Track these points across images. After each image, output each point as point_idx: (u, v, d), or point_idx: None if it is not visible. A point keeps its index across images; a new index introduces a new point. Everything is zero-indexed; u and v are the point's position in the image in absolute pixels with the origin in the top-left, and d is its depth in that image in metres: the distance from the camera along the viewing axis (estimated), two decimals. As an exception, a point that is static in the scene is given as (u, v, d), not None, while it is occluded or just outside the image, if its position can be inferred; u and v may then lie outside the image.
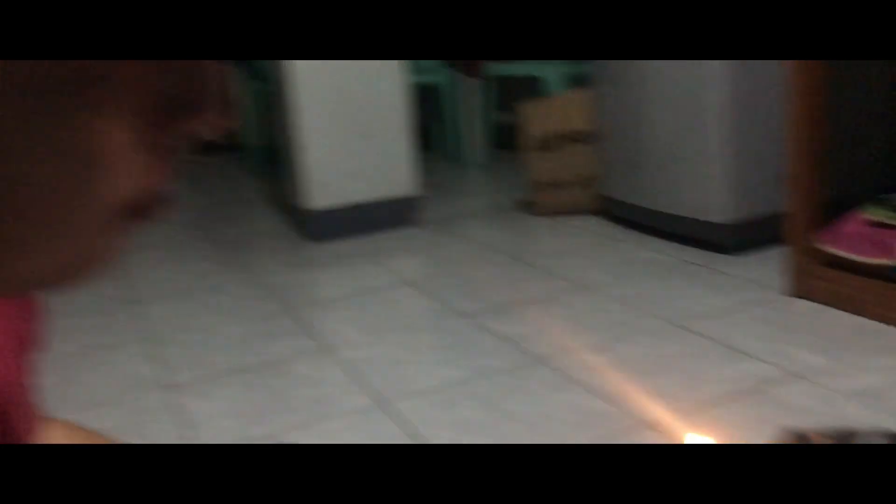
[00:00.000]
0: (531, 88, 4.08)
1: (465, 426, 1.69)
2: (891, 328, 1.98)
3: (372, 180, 3.20)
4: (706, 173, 2.60)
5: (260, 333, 2.28)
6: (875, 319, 2.02)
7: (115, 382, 2.02)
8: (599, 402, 1.74)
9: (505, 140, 5.04)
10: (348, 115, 3.11)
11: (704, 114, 2.57)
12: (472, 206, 3.77)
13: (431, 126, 4.83)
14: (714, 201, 2.59)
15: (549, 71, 3.86)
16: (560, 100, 3.26)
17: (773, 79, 2.45)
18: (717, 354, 1.93)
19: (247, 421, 1.79)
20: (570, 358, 1.98)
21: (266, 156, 4.88)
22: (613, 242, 2.89)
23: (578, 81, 3.90)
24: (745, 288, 2.34)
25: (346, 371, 1.99)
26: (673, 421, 1.66)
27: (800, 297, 2.21)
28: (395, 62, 3.13)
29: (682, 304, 2.27)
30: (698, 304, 2.24)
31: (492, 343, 2.10)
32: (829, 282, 2.14)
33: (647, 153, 2.82)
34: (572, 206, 3.22)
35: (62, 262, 0.31)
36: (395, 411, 1.77)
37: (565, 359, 1.97)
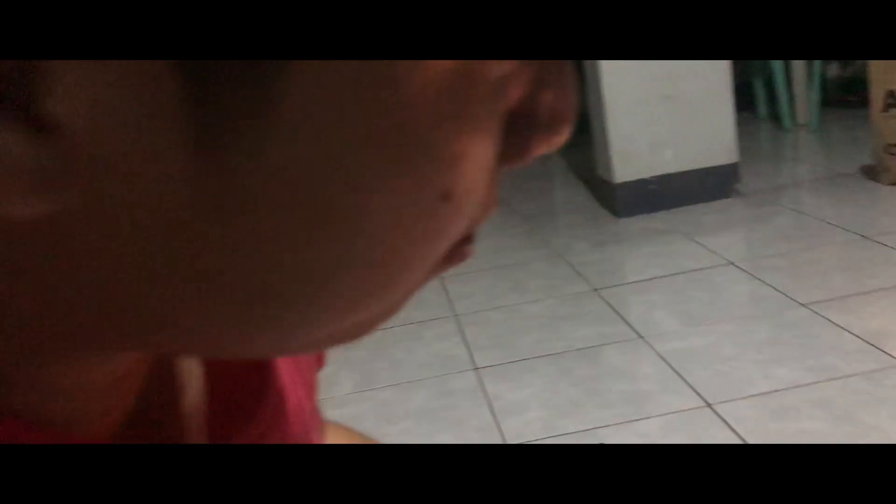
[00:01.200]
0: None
1: (808, 440, 1.42)
2: None
3: (685, 147, 2.92)
4: None
5: (567, 316, 2.15)
6: None
7: (426, 360, 1.99)
8: None
9: (841, 97, 4.43)
10: (658, 75, 2.85)
11: None
12: (804, 173, 3.33)
13: (754, 83, 4.37)
14: None
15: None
16: (919, 46, 2.73)
17: None
18: None
19: (557, 413, 1.66)
20: (947, 364, 1.61)
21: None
22: None
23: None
24: None
25: (664, 364, 1.79)
26: None
27: None
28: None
29: None
30: None
31: (840, 340, 1.77)
32: None
33: None
34: (934, 173, 2.70)
35: (371, 319, 0.23)
36: (722, 415, 1.54)
37: (939, 364, 1.61)
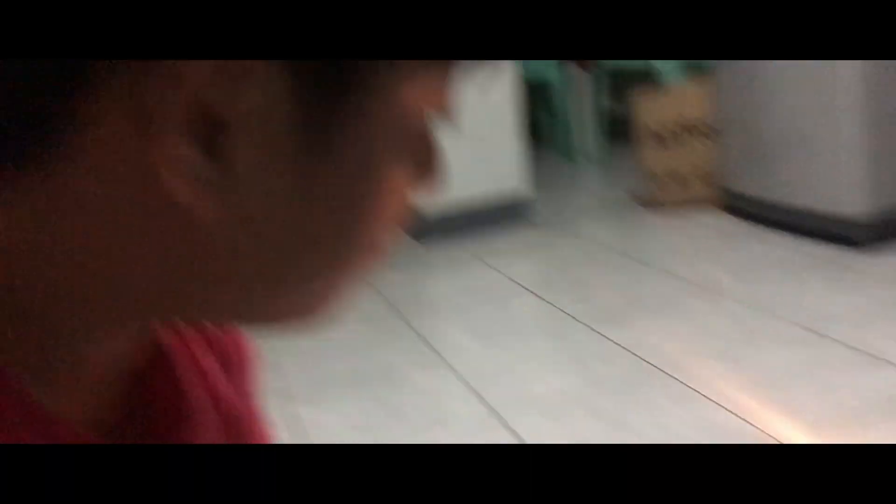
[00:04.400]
0: (646, 80, 3.94)
1: (580, 440, 1.63)
2: None
3: (480, 180, 3.16)
4: (838, 163, 2.43)
5: (372, 340, 2.29)
6: None
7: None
8: (724, 416, 1.65)
9: (618, 133, 4.90)
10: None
11: (836, 97, 2.39)
12: (585, 202, 3.68)
13: (542, 121, 4.74)
14: (847, 193, 2.42)
15: (665, 61, 3.70)
16: (677, 90, 3.13)
17: (913, 59, 2.26)
18: (855, 362, 1.80)
19: (360, 432, 1.79)
20: (692, 367, 1.88)
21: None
22: (736, 239, 2.75)
23: (696, 70, 3.73)
24: (884, 286, 2.17)
25: (459, 380, 1.96)
26: (807, 437, 1.55)
27: (948, 298, 2.03)
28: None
29: (815, 305, 2.12)
30: (832, 306, 2.10)
31: (608, 350, 2.02)
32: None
33: (773, 143, 2.66)
34: (691, 201, 3.08)
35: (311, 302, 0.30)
36: (509, 422, 1.73)
37: (686, 368, 1.88)
